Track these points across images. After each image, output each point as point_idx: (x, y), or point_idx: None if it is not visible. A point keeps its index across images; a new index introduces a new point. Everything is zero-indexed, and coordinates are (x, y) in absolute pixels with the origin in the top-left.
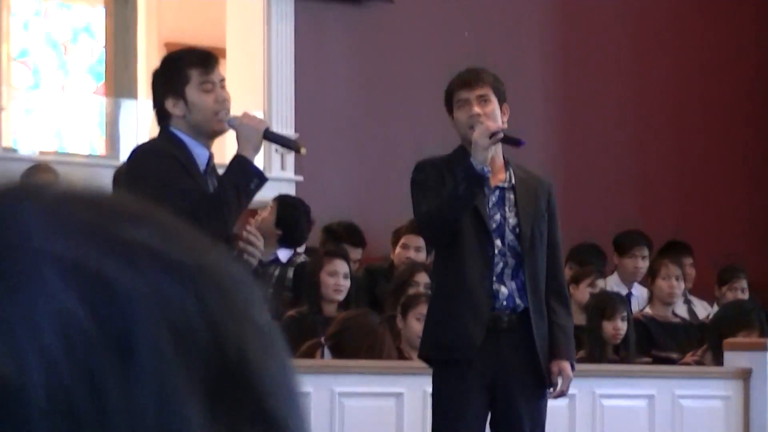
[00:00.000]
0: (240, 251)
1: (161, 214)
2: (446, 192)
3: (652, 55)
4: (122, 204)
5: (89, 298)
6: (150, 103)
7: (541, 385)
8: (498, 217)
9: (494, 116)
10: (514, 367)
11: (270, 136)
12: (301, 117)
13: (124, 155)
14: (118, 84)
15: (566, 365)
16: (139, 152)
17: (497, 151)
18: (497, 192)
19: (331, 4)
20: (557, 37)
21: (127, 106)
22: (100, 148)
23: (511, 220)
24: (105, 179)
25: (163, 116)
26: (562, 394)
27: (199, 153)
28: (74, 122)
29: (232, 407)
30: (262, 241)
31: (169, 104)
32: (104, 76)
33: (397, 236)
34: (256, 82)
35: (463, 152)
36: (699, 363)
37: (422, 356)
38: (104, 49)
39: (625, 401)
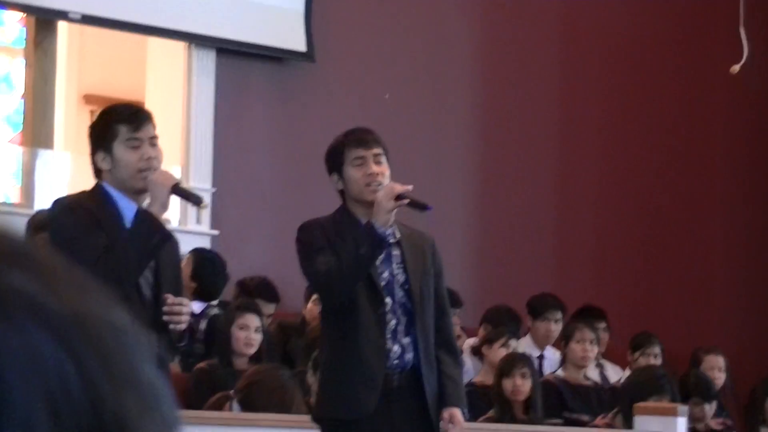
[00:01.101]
0: (166, 322)
1: (40, 254)
2: (345, 253)
3: (577, 121)
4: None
5: None
6: (66, 154)
7: None
8: (386, 274)
9: (388, 177)
10: (405, 426)
11: (178, 192)
12: (220, 172)
13: (38, 204)
14: (36, 134)
15: (456, 411)
16: (55, 206)
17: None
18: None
19: (253, 61)
20: (478, 100)
21: (43, 156)
22: (14, 197)
23: (400, 277)
24: (20, 227)
25: (95, 170)
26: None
27: (124, 206)
28: None
29: None
30: (187, 305)
31: (99, 158)
32: (22, 125)
33: (309, 292)
34: (174, 136)
35: (347, 213)
36: (609, 426)
37: (315, 418)
38: (22, 99)
39: None
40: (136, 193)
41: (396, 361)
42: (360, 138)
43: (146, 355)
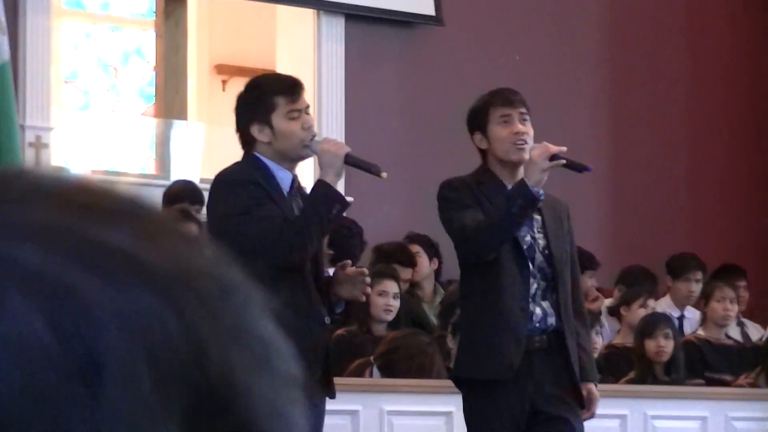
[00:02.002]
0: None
1: (142, 210)
2: (496, 209)
3: (706, 77)
4: (96, 199)
5: (53, 314)
6: (199, 124)
7: (578, 405)
8: (528, 238)
9: (532, 138)
10: (550, 387)
11: (351, 161)
12: (352, 137)
13: (174, 175)
14: (168, 105)
15: (592, 387)
16: (220, 181)
17: (520, 170)
18: None
19: (381, 26)
20: (609, 59)
21: (177, 127)
22: (150, 169)
23: (541, 242)
24: (156, 198)
25: (247, 141)
26: (592, 416)
27: (282, 177)
28: (124, 143)
29: (216, 431)
30: (368, 274)
31: (255, 130)
32: (154, 97)
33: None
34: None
35: (488, 173)
36: (752, 385)
37: (454, 377)
38: (154, 72)
39: (677, 422)
40: (294, 162)
41: (538, 324)
42: (506, 97)
43: (259, 311)
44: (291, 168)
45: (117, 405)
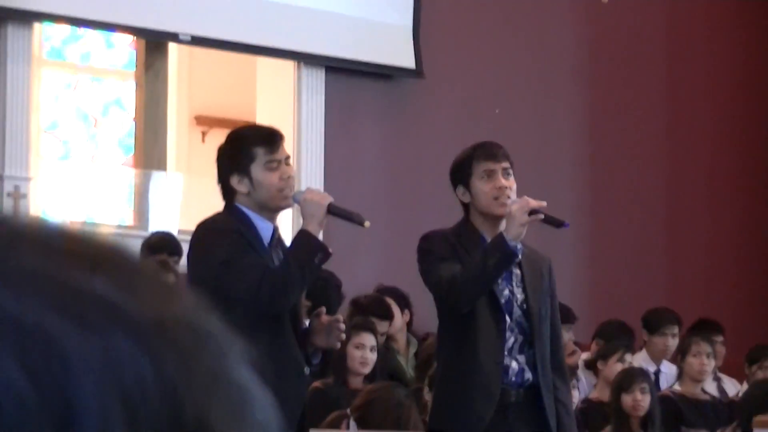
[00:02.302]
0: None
1: (122, 259)
2: (473, 263)
3: (684, 135)
4: (77, 247)
5: (28, 358)
6: (178, 175)
7: None
8: (506, 292)
9: (515, 192)
10: None
11: (334, 210)
12: (331, 189)
13: (152, 226)
14: (148, 156)
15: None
16: (202, 229)
17: (501, 225)
18: None
19: (361, 78)
20: (589, 115)
21: (156, 178)
22: (129, 220)
23: (519, 296)
24: (134, 249)
25: (228, 192)
26: None
27: (262, 227)
28: (103, 194)
29: None
30: (343, 322)
31: (234, 181)
32: (134, 148)
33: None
34: None
35: (470, 227)
36: None
37: (429, 430)
38: (134, 122)
39: None
40: (274, 213)
41: (514, 378)
42: (489, 151)
43: (236, 359)
44: (272, 219)
45: None
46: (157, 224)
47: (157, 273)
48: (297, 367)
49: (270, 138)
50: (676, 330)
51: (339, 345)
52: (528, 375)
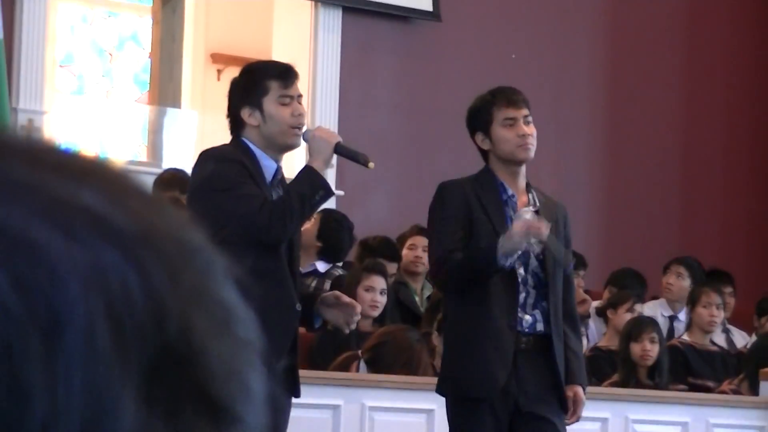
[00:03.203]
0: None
1: (110, 172)
2: (466, 262)
3: (703, 81)
4: (65, 160)
5: (13, 266)
6: (193, 112)
7: (562, 409)
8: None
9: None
10: (534, 388)
11: (341, 150)
12: (345, 129)
13: (166, 163)
14: (162, 93)
15: (579, 390)
16: (206, 156)
17: (521, 172)
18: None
19: (379, 19)
20: (605, 60)
21: (170, 114)
22: (142, 156)
23: (536, 246)
24: (146, 185)
25: (236, 125)
26: (577, 419)
27: (267, 165)
28: (117, 129)
29: (172, 390)
30: (359, 308)
31: (245, 113)
32: (149, 84)
33: (401, 241)
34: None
35: (489, 175)
36: (735, 392)
37: (440, 392)
38: (149, 58)
39: (658, 427)
40: (281, 151)
41: (527, 329)
42: (510, 98)
43: (221, 275)
44: (277, 158)
45: (76, 360)
46: (170, 161)
47: (147, 189)
48: (289, 301)
49: (285, 73)
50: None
51: (347, 330)
52: (540, 326)
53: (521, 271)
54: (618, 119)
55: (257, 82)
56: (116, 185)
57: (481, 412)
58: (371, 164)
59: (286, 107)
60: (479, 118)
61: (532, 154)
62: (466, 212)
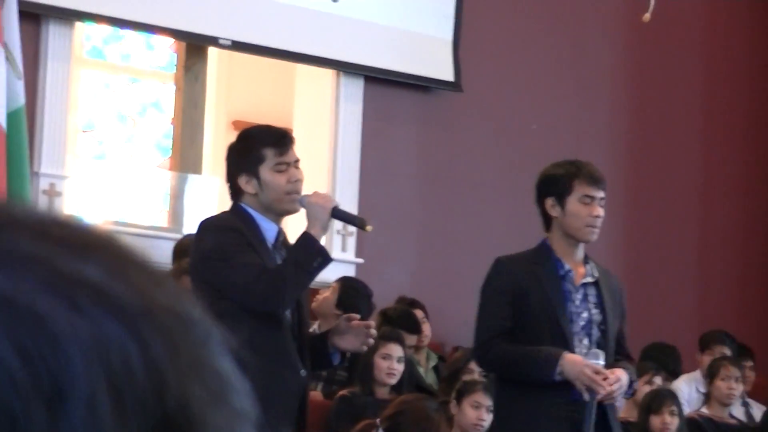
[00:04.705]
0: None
1: (114, 246)
2: (523, 356)
3: (718, 158)
4: (71, 233)
5: (18, 336)
6: (214, 179)
7: None
8: (585, 314)
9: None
10: None
11: (338, 215)
12: (365, 199)
13: (186, 229)
14: (184, 159)
15: (622, 372)
16: (205, 225)
17: (581, 246)
18: (581, 289)
19: (400, 89)
20: (626, 133)
21: (191, 180)
22: (163, 222)
23: (596, 317)
24: (166, 252)
25: (235, 191)
26: (609, 389)
27: (267, 228)
28: (138, 195)
29: None
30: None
31: (242, 181)
32: (171, 150)
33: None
34: (322, 162)
35: (547, 251)
36: None
37: None
38: (172, 125)
39: None
40: (280, 215)
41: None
42: (594, 176)
43: (218, 347)
44: (277, 221)
45: (77, 429)
46: (191, 227)
47: (147, 262)
48: (293, 368)
49: (280, 140)
50: (728, 351)
51: (365, 348)
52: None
53: (585, 341)
54: (641, 188)
55: (253, 150)
56: (119, 259)
57: None
58: (369, 227)
59: (282, 174)
60: (557, 185)
61: (596, 237)
62: (518, 288)
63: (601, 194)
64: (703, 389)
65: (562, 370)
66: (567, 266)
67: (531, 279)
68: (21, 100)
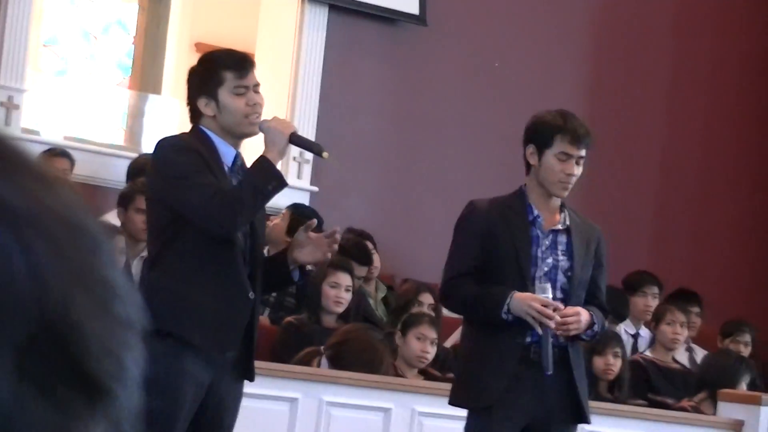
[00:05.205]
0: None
1: (9, 151)
2: (475, 295)
3: (686, 98)
4: None
5: None
6: (174, 100)
7: (579, 422)
8: (550, 260)
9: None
10: (552, 403)
11: (296, 140)
12: (324, 127)
13: (144, 148)
14: (144, 79)
15: (583, 311)
16: (162, 144)
17: (553, 201)
18: (550, 235)
19: (365, 20)
20: (589, 74)
21: (151, 101)
22: (120, 140)
23: (563, 264)
24: (122, 169)
25: (194, 114)
26: (562, 320)
27: (225, 152)
28: (97, 112)
29: (46, 366)
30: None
31: (201, 103)
32: (131, 69)
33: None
34: (282, 88)
35: (521, 198)
36: (695, 410)
37: (453, 404)
38: (134, 44)
39: None
40: (238, 138)
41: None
42: (576, 134)
43: (107, 255)
44: (235, 144)
45: None
46: (148, 147)
47: (44, 168)
48: (242, 291)
49: (240, 63)
50: (656, 291)
51: (329, 255)
52: (561, 339)
53: (548, 285)
54: (599, 128)
55: (212, 73)
56: (13, 164)
57: (491, 417)
58: (325, 154)
59: (241, 97)
60: (540, 135)
61: (566, 194)
62: (488, 232)
63: (580, 153)
64: (631, 331)
65: (509, 308)
66: (536, 212)
67: (501, 222)
68: None
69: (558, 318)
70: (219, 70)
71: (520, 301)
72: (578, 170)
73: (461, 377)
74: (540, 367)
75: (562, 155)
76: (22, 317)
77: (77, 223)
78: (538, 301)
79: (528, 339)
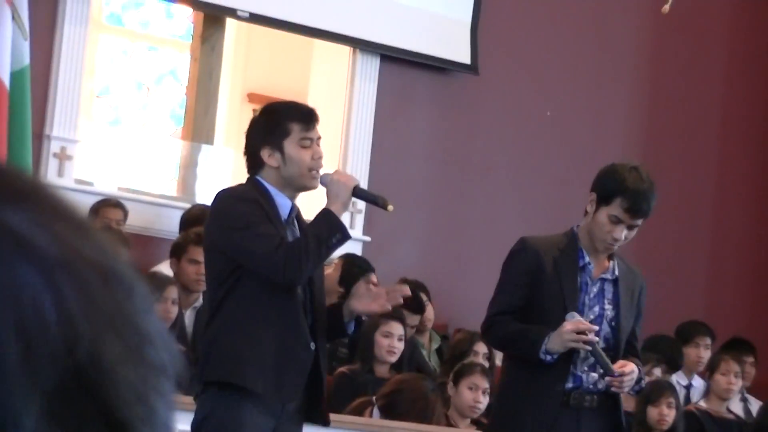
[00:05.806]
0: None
1: (46, 196)
2: (514, 335)
3: (738, 144)
4: (7, 182)
5: None
6: (226, 150)
7: None
8: (597, 308)
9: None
10: None
11: (360, 193)
12: (376, 177)
13: (197, 198)
14: (197, 129)
15: (633, 366)
16: (223, 195)
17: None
18: (598, 283)
19: (416, 69)
20: (639, 123)
21: (203, 151)
22: (172, 191)
23: (609, 313)
24: (175, 220)
25: (254, 164)
26: (622, 374)
27: (281, 203)
28: (150, 162)
29: (76, 413)
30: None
31: (265, 154)
32: (184, 120)
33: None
34: (334, 137)
35: (574, 242)
36: None
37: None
38: (186, 95)
39: None
40: (297, 191)
41: (591, 386)
42: (637, 204)
43: (141, 301)
44: (292, 197)
45: None
46: (201, 197)
47: (79, 214)
48: (303, 341)
49: (307, 116)
50: (708, 341)
51: (389, 308)
52: (602, 384)
53: (578, 316)
54: (652, 174)
55: (279, 124)
56: (48, 209)
57: None
58: (390, 207)
59: (307, 150)
60: (603, 188)
61: (609, 252)
62: (536, 271)
63: (635, 222)
64: (684, 382)
65: (547, 348)
66: (588, 258)
67: (550, 264)
68: (26, 60)
69: (594, 328)
70: (286, 122)
71: (555, 336)
72: (629, 235)
73: (499, 414)
74: (578, 410)
75: (614, 218)
76: (53, 363)
77: (110, 269)
78: (569, 325)
79: (569, 385)
